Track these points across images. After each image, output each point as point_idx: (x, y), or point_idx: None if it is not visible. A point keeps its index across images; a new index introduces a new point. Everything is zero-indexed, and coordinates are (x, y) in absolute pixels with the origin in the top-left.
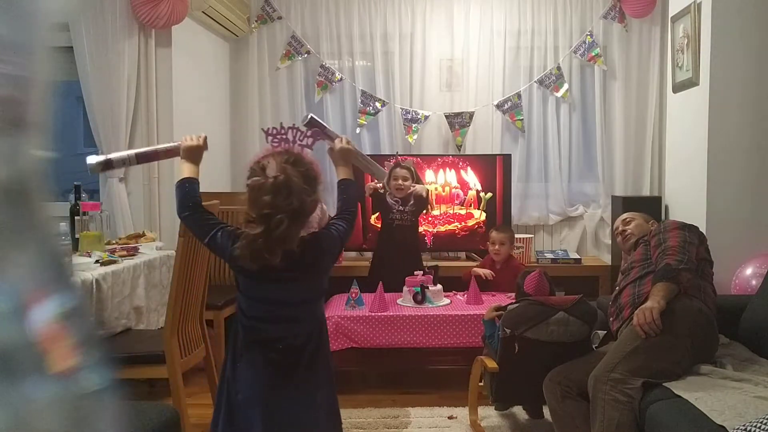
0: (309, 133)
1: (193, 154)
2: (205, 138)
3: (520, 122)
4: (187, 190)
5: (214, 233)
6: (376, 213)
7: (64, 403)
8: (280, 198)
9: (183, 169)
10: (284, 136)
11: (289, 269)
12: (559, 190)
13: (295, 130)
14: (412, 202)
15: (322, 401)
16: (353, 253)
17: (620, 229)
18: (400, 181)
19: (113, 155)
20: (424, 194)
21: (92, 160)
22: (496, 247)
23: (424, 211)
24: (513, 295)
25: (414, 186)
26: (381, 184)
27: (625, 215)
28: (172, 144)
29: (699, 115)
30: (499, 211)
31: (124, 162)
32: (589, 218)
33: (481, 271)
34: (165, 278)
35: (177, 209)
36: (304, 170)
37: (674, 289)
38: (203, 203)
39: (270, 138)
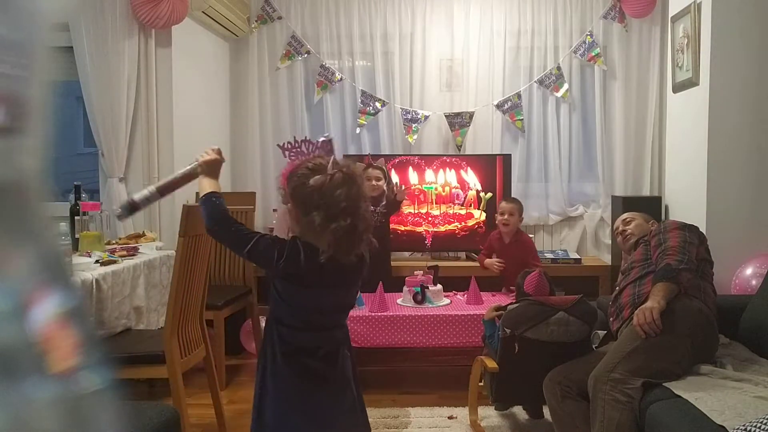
0: (319, 144)
1: (213, 168)
2: (219, 150)
3: (520, 122)
4: (216, 203)
5: (255, 242)
6: None
7: (64, 403)
8: (354, 189)
9: (203, 184)
10: (299, 149)
11: (344, 273)
12: (559, 190)
13: (308, 143)
14: (384, 203)
15: (357, 402)
16: None
17: (620, 229)
18: (374, 182)
19: (136, 196)
20: (401, 198)
21: (117, 207)
22: (505, 217)
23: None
24: (512, 294)
25: (386, 186)
26: None
27: (625, 215)
28: (189, 166)
29: (699, 115)
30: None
31: (149, 199)
32: (589, 218)
33: (490, 262)
34: (165, 278)
35: (206, 224)
36: (354, 167)
37: (674, 290)
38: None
39: (287, 153)
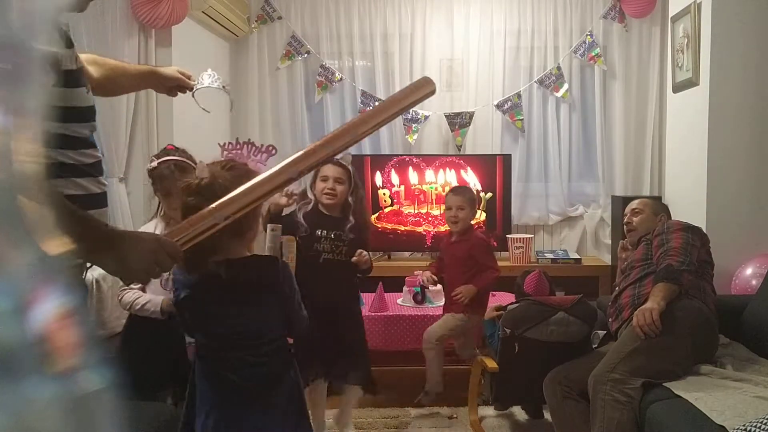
0: (263, 149)
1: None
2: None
3: (520, 122)
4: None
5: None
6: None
7: (64, 403)
8: (202, 200)
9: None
10: (239, 151)
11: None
12: (559, 190)
13: (250, 146)
14: (350, 224)
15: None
16: None
17: (627, 218)
18: (331, 183)
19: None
20: (364, 266)
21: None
22: (452, 212)
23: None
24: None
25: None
26: (287, 198)
27: (635, 204)
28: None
29: (699, 115)
30: (499, 211)
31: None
32: (589, 218)
33: (424, 277)
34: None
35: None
36: (238, 175)
37: (675, 290)
38: None
39: (225, 153)
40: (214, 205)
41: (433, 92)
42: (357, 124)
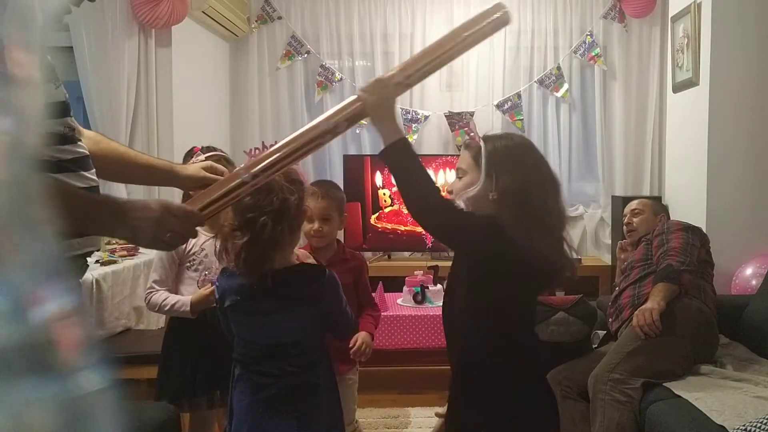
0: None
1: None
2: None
3: (520, 122)
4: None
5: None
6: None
7: (64, 403)
8: (260, 196)
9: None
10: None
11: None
12: None
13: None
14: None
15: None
16: None
17: (628, 219)
18: (317, 226)
19: None
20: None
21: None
22: (315, 226)
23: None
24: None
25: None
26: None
27: (635, 204)
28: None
29: (699, 115)
30: None
31: None
32: (589, 218)
33: None
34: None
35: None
36: (285, 171)
37: (675, 290)
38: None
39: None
40: (241, 166)
41: (506, 21)
42: (418, 57)
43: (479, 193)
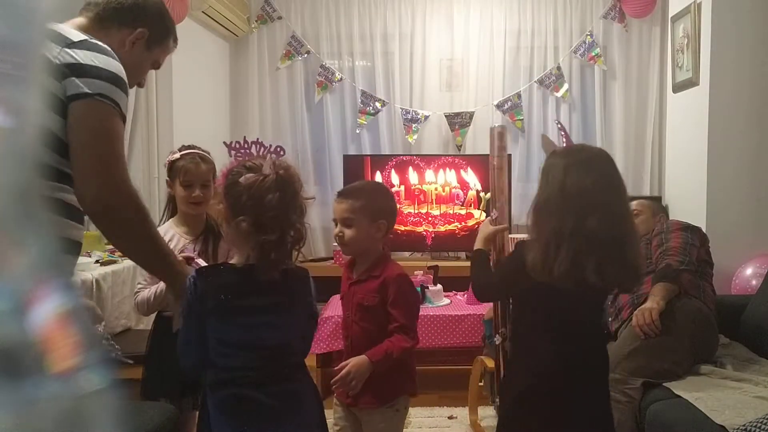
0: (271, 149)
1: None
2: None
3: (520, 122)
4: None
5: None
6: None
7: (64, 403)
8: (288, 196)
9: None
10: (248, 150)
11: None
12: None
13: (258, 145)
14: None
15: None
16: None
17: None
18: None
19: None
20: None
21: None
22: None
23: None
24: None
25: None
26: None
27: (633, 205)
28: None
29: (699, 115)
30: None
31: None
32: None
33: None
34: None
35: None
36: (295, 173)
37: (674, 290)
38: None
39: (233, 152)
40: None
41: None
42: None
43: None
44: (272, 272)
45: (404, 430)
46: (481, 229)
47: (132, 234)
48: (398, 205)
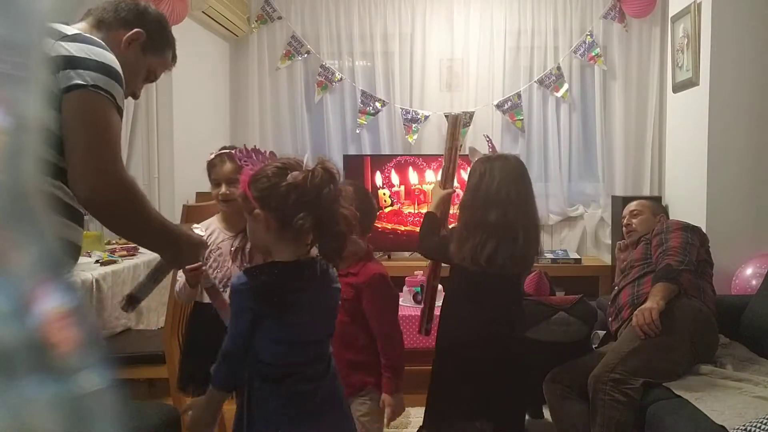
0: (267, 154)
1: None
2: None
3: (520, 122)
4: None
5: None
6: None
7: (64, 403)
8: (338, 186)
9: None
10: (252, 158)
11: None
12: (559, 190)
13: (257, 152)
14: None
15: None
16: None
17: (627, 220)
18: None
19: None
20: None
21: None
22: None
23: None
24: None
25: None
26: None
27: (633, 206)
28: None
29: (699, 115)
30: None
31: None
32: (589, 218)
33: None
34: (165, 278)
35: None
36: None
37: (674, 290)
38: (202, 203)
39: (243, 161)
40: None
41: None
42: None
43: None
44: (344, 264)
45: (404, 430)
46: (434, 193)
47: (133, 223)
48: (399, 206)
